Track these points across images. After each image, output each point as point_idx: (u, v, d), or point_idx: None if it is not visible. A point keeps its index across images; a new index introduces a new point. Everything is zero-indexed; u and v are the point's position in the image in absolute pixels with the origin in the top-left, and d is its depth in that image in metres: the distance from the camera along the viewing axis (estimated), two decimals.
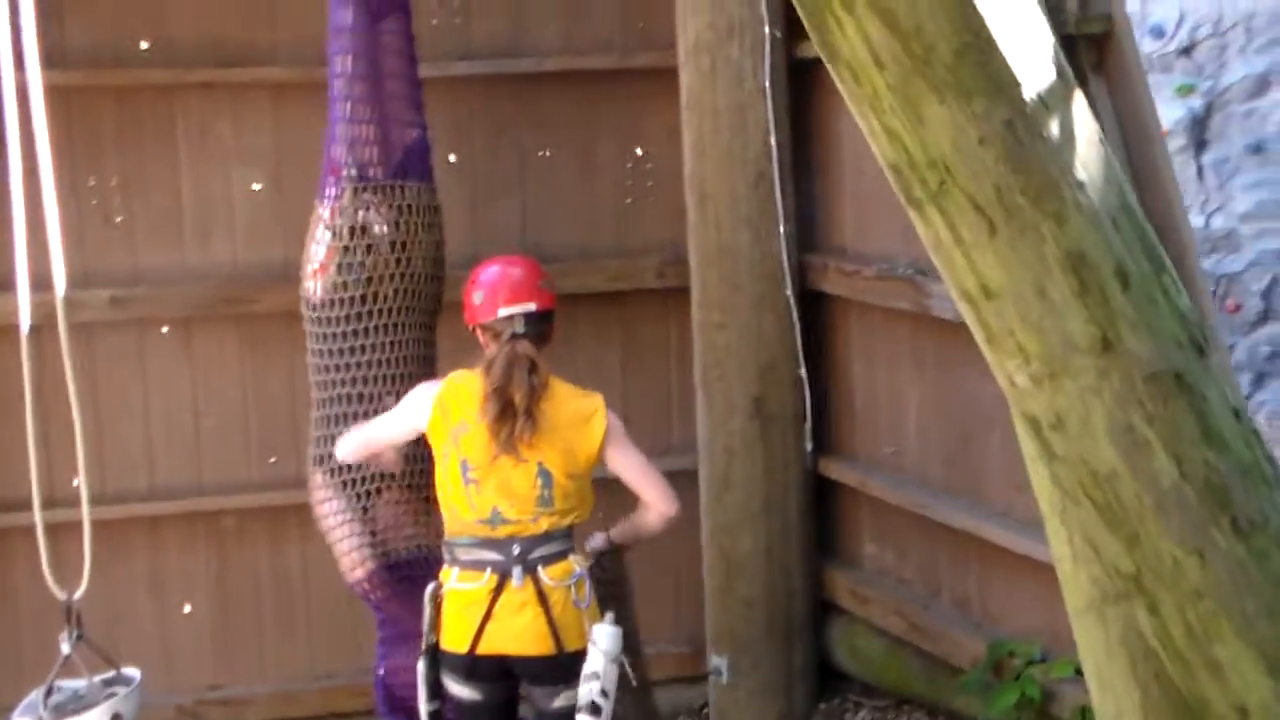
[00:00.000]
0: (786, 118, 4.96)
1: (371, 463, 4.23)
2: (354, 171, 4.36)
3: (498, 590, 3.79)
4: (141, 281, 4.97)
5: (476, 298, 3.94)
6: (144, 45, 4.90)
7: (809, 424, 5.05)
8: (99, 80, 4.85)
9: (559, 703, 3.82)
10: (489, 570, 3.81)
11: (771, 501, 5.03)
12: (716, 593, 5.13)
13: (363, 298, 4.38)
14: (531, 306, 3.90)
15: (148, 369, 5.03)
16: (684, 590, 5.28)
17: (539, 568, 3.80)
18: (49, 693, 3.82)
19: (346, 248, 4.37)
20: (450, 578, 3.86)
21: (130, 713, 3.84)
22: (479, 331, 3.96)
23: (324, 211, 4.40)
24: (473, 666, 3.84)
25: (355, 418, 4.31)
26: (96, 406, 4.92)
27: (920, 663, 4.87)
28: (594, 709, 3.75)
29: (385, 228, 4.40)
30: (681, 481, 5.12)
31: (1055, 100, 2.60)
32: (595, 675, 3.74)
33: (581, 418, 3.87)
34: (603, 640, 3.76)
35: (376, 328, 4.38)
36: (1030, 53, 2.59)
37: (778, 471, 5.04)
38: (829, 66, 2.66)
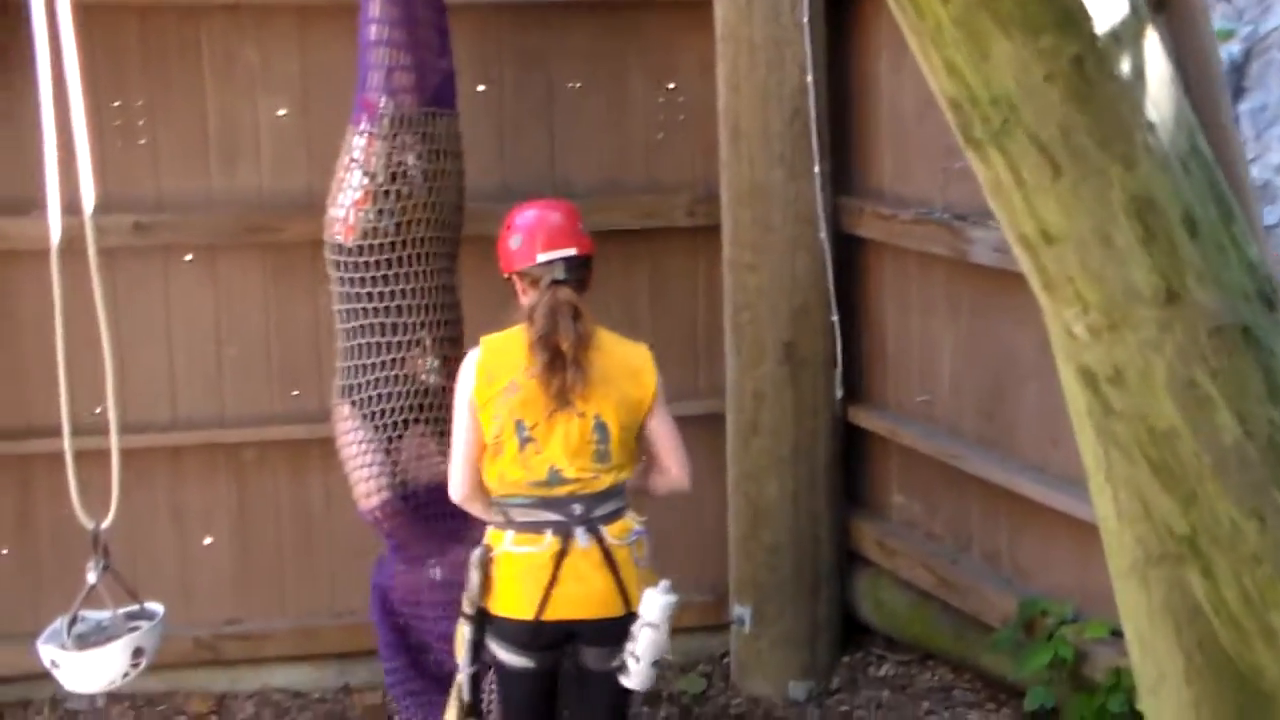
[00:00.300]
0: (824, 55, 4.83)
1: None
2: (389, 101, 4.23)
3: (561, 553, 3.61)
4: (166, 208, 4.88)
5: (513, 243, 3.76)
6: None
7: (839, 370, 4.95)
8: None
9: (615, 662, 3.65)
10: (549, 532, 3.63)
11: (800, 448, 4.94)
12: (741, 540, 5.05)
13: (397, 236, 4.28)
14: (572, 251, 3.72)
15: (170, 297, 4.95)
16: (707, 537, 5.19)
17: (601, 527, 3.64)
18: (73, 621, 3.77)
19: (384, 191, 4.27)
20: (504, 541, 3.67)
21: (152, 647, 3.79)
22: (515, 279, 3.78)
23: (357, 145, 4.28)
24: (536, 633, 3.66)
25: (386, 349, 4.27)
26: (118, 334, 4.80)
27: (947, 618, 4.79)
28: (622, 669, 3.63)
29: (420, 161, 4.29)
30: (706, 425, 5.06)
31: (1127, 37, 2.47)
32: (632, 636, 3.60)
33: (632, 369, 3.72)
34: (646, 609, 3.59)
35: (408, 258, 4.29)
36: None
37: (807, 418, 4.94)
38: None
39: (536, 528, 3.64)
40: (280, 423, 5.04)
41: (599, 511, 3.64)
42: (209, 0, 4.80)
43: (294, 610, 5.14)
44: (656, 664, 3.63)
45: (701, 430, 4.83)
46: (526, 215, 3.80)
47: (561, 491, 3.63)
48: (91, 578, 3.80)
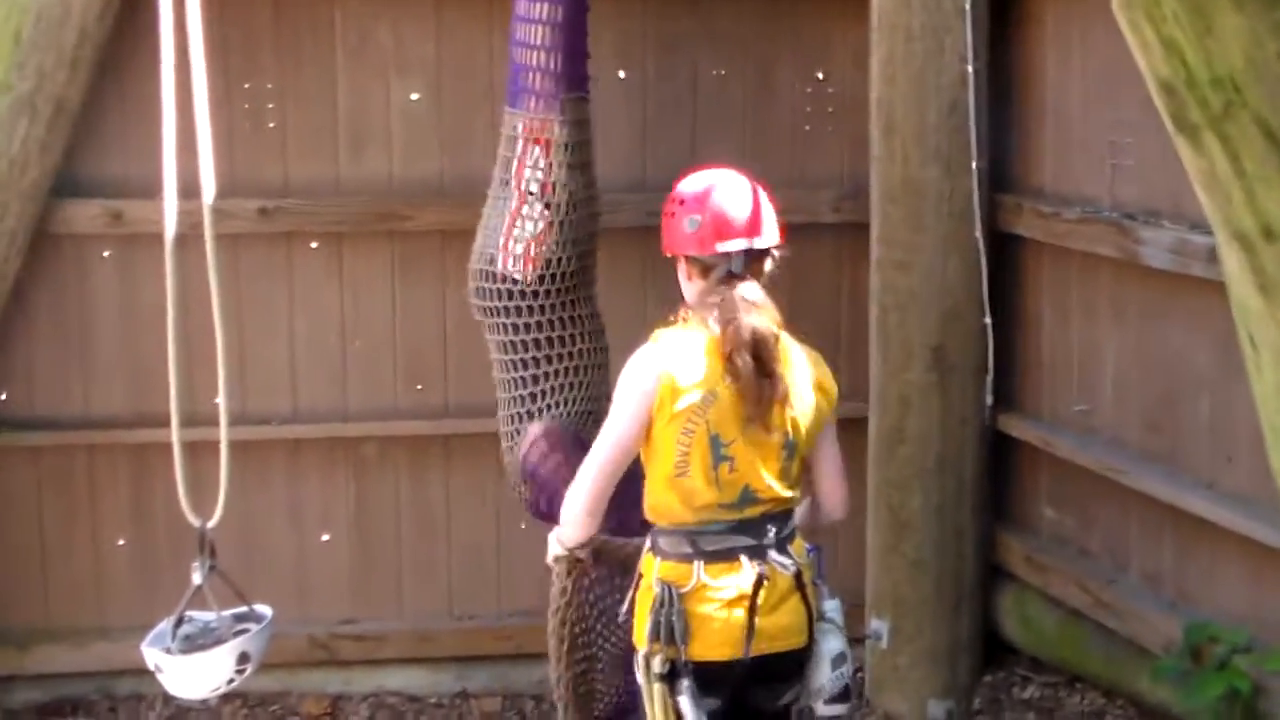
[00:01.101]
0: (985, 45, 4.57)
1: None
2: (559, 87, 3.94)
3: (760, 580, 3.17)
4: (292, 193, 4.74)
5: (687, 224, 3.24)
6: None
7: (990, 376, 4.69)
8: None
9: (786, 699, 3.30)
10: (744, 557, 3.19)
11: (946, 458, 4.69)
12: (880, 551, 4.81)
13: (579, 264, 4.01)
14: (758, 243, 3.25)
15: (294, 285, 4.81)
16: (843, 546, 4.94)
17: (789, 547, 3.25)
18: (179, 623, 3.64)
19: (565, 221, 3.97)
20: (693, 575, 3.18)
21: (258, 652, 3.64)
22: (681, 261, 3.29)
23: (531, 173, 3.96)
24: (735, 673, 3.20)
25: (572, 388, 3.99)
26: (240, 323, 4.71)
27: (1100, 640, 4.50)
28: (845, 694, 3.30)
29: (589, 171, 4.05)
30: (847, 430, 4.79)
31: None
32: (844, 657, 3.29)
33: (815, 377, 3.31)
34: (840, 616, 3.31)
35: (585, 283, 4.04)
36: None
37: (954, 426, 4.69)
38: None
39: (730, 555, 3.19)
40: (403, 418, 4.88)
41: (786, 531, 3.27)
42: None
43: (411, 612, 4.98)
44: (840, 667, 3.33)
45: (841, 435, 4.57)
46: (702, 191, 3.26)
47: (754, 513, 3.21)
48: (197, 578, 3.65)
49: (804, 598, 3.24)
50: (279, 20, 4.69)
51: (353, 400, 4.88)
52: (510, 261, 3.98)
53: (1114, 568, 4.47)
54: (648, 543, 3.28)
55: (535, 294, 3.97)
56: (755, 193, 3.31)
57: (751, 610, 3.16)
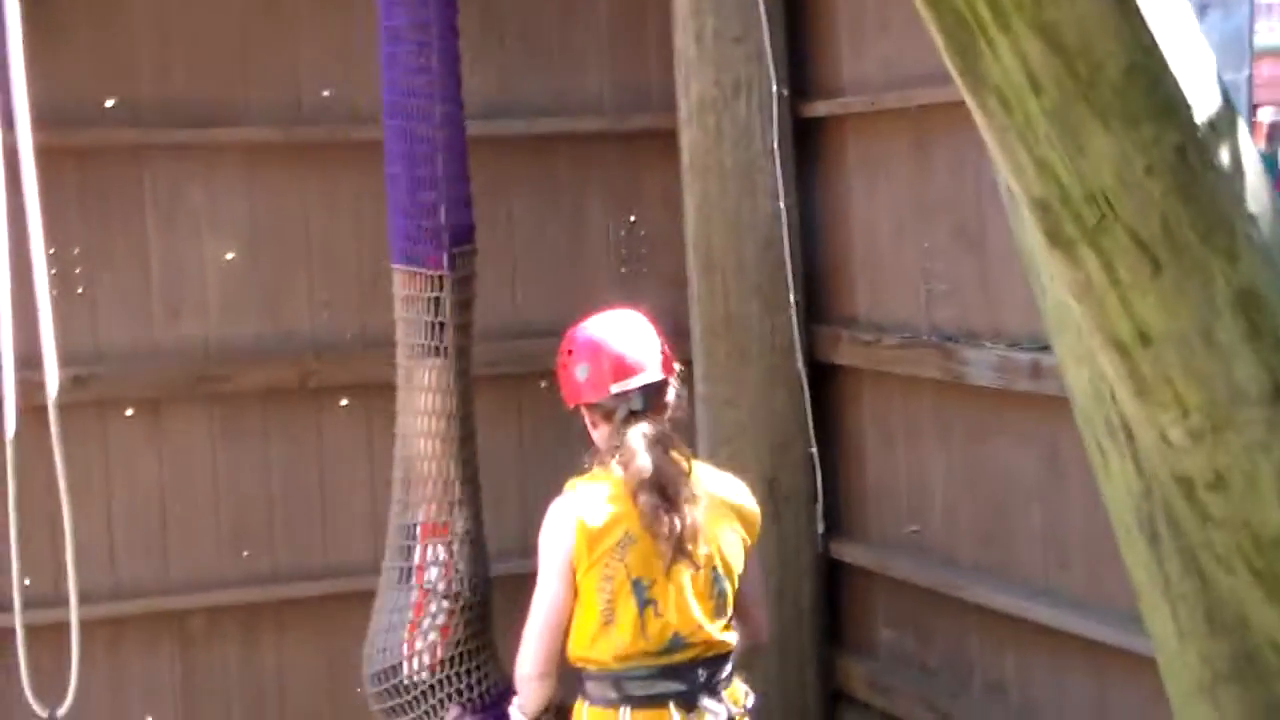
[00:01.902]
0: (793, 182, 4.75)
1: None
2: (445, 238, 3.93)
3: None
4: (105, 359, 4.58)
5: (580, 373, 3.26)
6: (109, 103, 4.55)
7: (820, 504, 4.80)
8: (60, 140, 4.46)
9: None
10: (672, 705, 3.13)
11: (785, 589, 4.75)
12: None
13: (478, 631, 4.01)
14: (650, 378, 3.24)
15: (110, 455, 4.62)
16: None
17: (723, 692, 3.19)
18: None
19: (466, 605, 3.98)
20: None
21: None
22: (585, 411, 3.30)
23: (432, 568, 3.98)
24: None
25: None
26: (51, 494, 4.48)
27: None
28: None
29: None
30: None
31: (1224, 126, 2.39)
32: None
33: (734, 504, 3.29)
34: None
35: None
36: (1198, 73, 2.38)
37: (791, 556, 4.76)
38: (971, 97, 2.42)
39: (658, 701, 3.13)
40: (231, 586, 4.71)
41: (721, 675, 3.20)
42: (153, 140, 4.57)
43: None
44: None
45: None
46: (590, 340, 3.29)
47: (683, 657, 3.15)
48: None
49: None
50: (84, 182, 4.57)
51: (175, 571, 4.69)
52: (415, 662, 3.93)
53: (957, 682, 4.57)
54: (580, 695, 3.21)
55: (440, 684, 3.94)
56: (642, 328, 3.34)
57: None
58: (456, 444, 3.96)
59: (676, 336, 4.85)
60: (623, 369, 3.23)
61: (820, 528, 4.81)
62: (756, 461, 4.71)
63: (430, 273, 3.91)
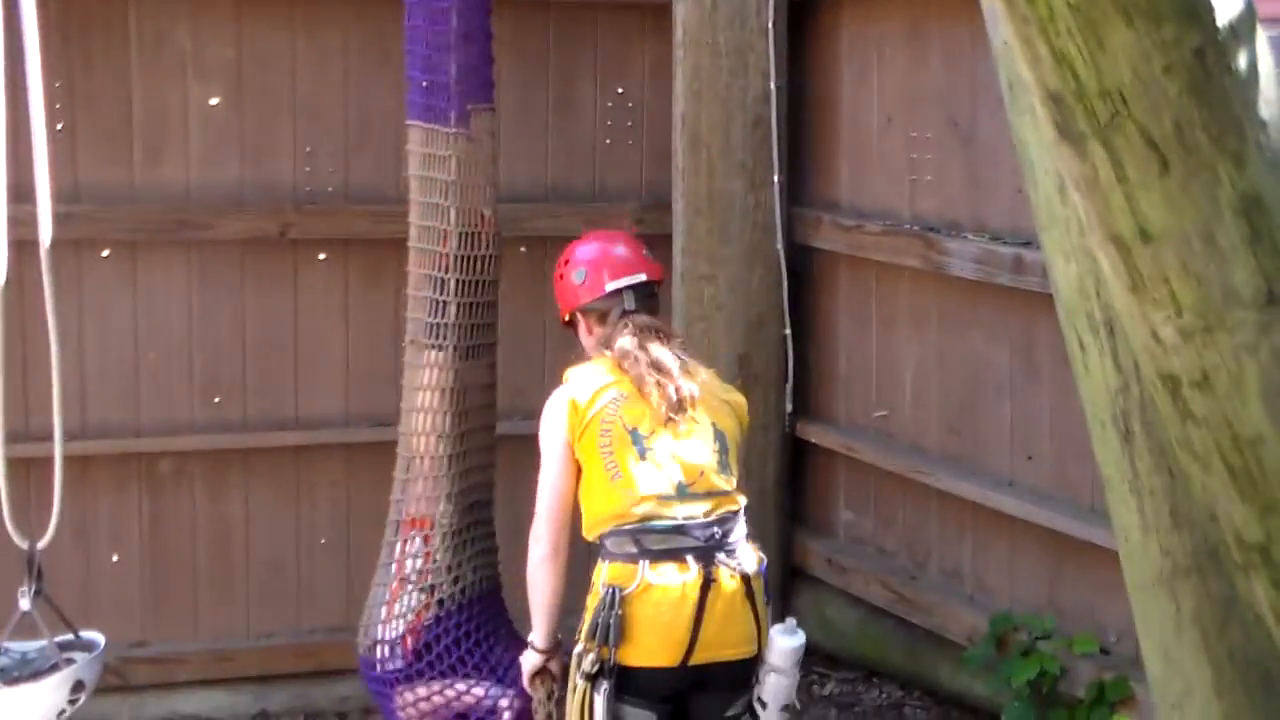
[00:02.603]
0: (784, 63, 4.74)
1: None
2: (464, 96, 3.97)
3: (707, 583, 3.15)
4: (82, 198, 4.53)
5: (576, 277, 3.48)
6: None
7: (790, 385, 4.85)
8: None
9: (734, 710, 3.29)
10: (690, 559, 3.17)
11: (750, 465, 4.79)
12: None
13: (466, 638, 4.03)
14: (642, 277, 3.47)
15: (84, 295, 4.60)
16: None
17: (739, 553, 3.23)
18: None
19: (442, 600, 4.02)
20: (638, 574, 3.16)
21: (92, 680, 3.49)
22: (580, 319, 3.50)
23: (411, 557, 4.05)
24: (675, 681, 3.20)
25: None
26: (24, 334, 4.46)
27: (900, 635, 4.71)
28: (750, 711, 3.27)
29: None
30: None
31: (1244, 31, 2.41)
32: (758, 680, 3.26)
33: (724, 388, 3.48)
34: (773, 653, 3.25)
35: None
36: None
37: (758, 434, 4.81)
38: None
39: (675, 555, 3.18)
40: (200, 432, 4.72)
41: (735, 536, 3.24)
42: None
43: (208, 632, 4.80)
44: (786, 709, 3.29)
45: None
46: (586, 247, 3.56)
47: (696, 511, 3.22)
48: (24, 604, 3.50)
49: (753, 606, 3.22)
50: (67, 16, 4.48)
51: (146, 415, 4.69)
52: (385, 650, 3.98)
53: (914, 565, 4.68)
54: (599, 552, 3.28)
55: (417, 673, 3.97)
56: (631, 238, 3.66)
57: (697, 616, 3.14)
58: (452, 439, 4.00)
59: (658, 211, 4.89)
60: (616, 268, 3.47)
61: (789, 408, 4.88)
62: (730, 338, 4.75)
63: (447, 130, 3.92)
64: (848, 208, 4.76)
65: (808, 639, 4.97)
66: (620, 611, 3.13)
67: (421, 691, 3.96)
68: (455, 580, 4.00)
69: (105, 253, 4.59)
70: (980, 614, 4.33)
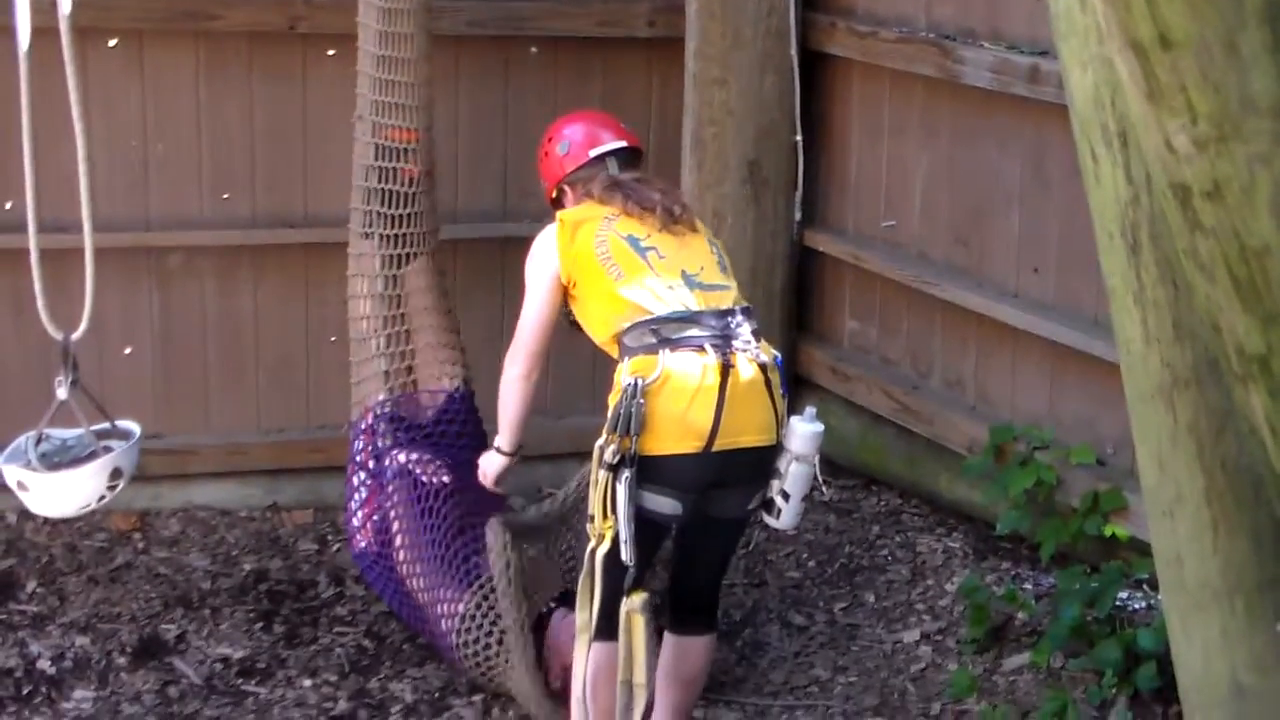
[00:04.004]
0: None
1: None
2: None
3: (726, 369, 3.19)
4: None
5: (560, 148, 3.62)
6: None
7: (799, 192, 4.84)
8: None
9: (753, 504, 3.36)
10: (709, 347, 3.21)
11: (758, 272, 4.84)
12: None
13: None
14: (624, 143, 3.61)
15: (91, 84, 4.55)
16: None
17: (755, 344, 3.28)
18: (39, 440, 3.53)
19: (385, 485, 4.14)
20: (658, 364, 3.18)
21: (130, 468, 3.59)
22: (566, 191, 3.62)
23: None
24: (703, 468, 3.21)
25: None
26: (31, 124, 4.44)
27: (900, 443, 4.78)
28: (769, 506, 3.34)
29: None
30: None
31: None
32: (777, 472, 3.31)
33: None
34: (795, 440, 3.30)
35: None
36: None
37: (765, 241, 4.84)
38: None
39: (694, 343, 3.22)
40: (209, 227, 4.73)
41: (749, 327, 3.30)
42: None
43: (219, 426, 4.88)
44: (806, 499, 3.38)
45: None
46: (567, 124, 3.69)
47: (709, 303, 3.30)
48: (61, 393, 3.58)
49: (771, 395, 3.27)
50: None
51: (155, 208, 4.69)
52: (358, 537, 4.16)
53: (916, 375, 4.72)
54: (621, 356, 3.31)
55: (381, 556, 4.08)
56: (612, 116, 3.76)
57: (719, 402, 3.17)
58: (390, 319, 4.15)
59: (671, 13, 4.82)
60: (598, 137, 3.60)
61: (797, 215, 4.87)
62: (740, 144, 4.73)
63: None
64: (863, 14, 4.69)
65: None
66: (642, 401, 3.14)
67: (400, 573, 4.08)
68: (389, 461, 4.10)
69: (113, 42, 4.54)
70: (980, 424, 4.39)
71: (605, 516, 3.18)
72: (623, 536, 3.14)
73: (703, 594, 3.53)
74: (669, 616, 3.54)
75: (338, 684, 4.06)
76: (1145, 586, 3.85)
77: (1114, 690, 3.65)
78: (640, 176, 3.55)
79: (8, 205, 4.48)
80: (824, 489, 3.50)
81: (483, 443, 4.00)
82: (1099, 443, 4.10)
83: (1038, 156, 4.16)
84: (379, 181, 4.13)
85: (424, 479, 4.02)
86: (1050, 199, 4.15)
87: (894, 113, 4.65)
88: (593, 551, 3.21)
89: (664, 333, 3.24)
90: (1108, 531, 3.98)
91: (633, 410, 3.14)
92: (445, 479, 4.00)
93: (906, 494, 4.84)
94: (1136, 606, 3.84)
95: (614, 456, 3.15)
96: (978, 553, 4.46)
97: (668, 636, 3.52)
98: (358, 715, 3.93)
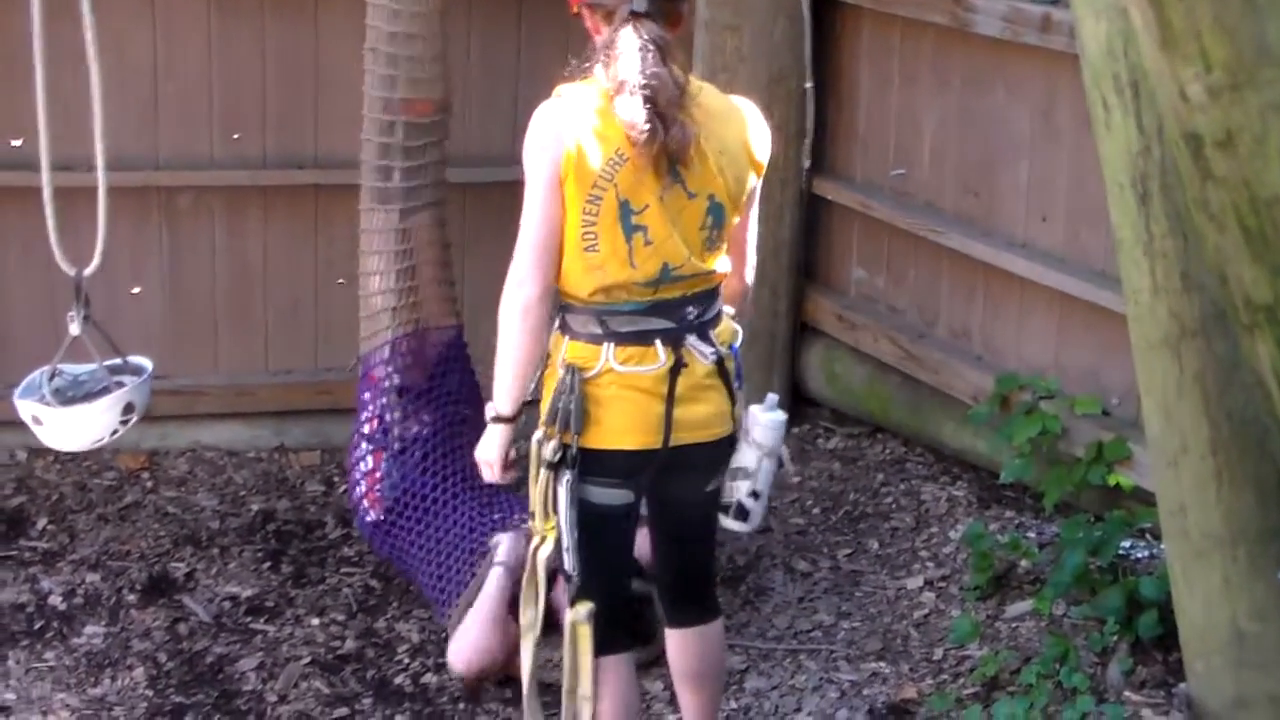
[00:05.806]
0: None
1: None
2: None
3: (676, 366, 2.92)
4: None
5: None
6: None
7: (809, 140, 4.84)
8: None
9: (711, 486, 3.10)
10: (658, 342, 2.92)
11: (766, 219, 4.75)
12: None
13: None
14: None
15: (101, 25, 4.53)
16: None
17: (710, 332, 2.99)
18: (52, 375, 3.56)
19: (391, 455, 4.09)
20: (601, 358, 2.91)
21: (143, 403, 3.62)
22: (585, 13, 2.94)
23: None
24: (649, 463, 2.97)
25: None
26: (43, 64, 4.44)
27: (905, 392, 4.79)
28: (740, 512, 3.09)
29: None
30: None
31: None
32: (745, 472, 3.06)
33: (739, 133, 2.98)
34: (758, 431, 3.04)
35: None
36: None
37: (774, 188, 4.81)
38: None
39: (643, 338, 2.92)
40: (219, 168, 4.73)
41: (710, 314, 2.99)
42: None
43: (227, 367, 4.91)
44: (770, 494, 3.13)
45: None
46: None
47: (673, 293, 2.93)
48: (74, 329, 3.60)
49: (727, 386, 3.01)
50: None
51: (165, 147, 4.69)
52: (364, 507, 4.11)
53: (923, 324, 4.74)
54: (556, 320, 3.00)
55: (390, 524, 4.06)
56: None
57: (668, 401, 2.93)
58: (399, 254, 4.11)
59: None
60: None
61: (806, 163, 4.87)
62: (751, 91, 4.66)
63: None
64: None
65: (816, 393, 5.12)
66: (581, 394, 2.90)
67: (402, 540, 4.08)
68: (412, 440, 4.11)
69: None
70: (986, 373, 4.41)
71: (546, 517, 2.97)
72: (565, 543, 2.94)
73: (689, 579, 3.26)
74: (665, 612, 3.34)
75: (345, 623, 4.10)
76: (1148, 535, 3.87)
77: (1115, 638, 3.68)
78: (661, 44, 2.84)
79: (16, 143, 4.48)
80: (794, 477, 3.26)
81: (477, 393, 4.03)
82: (1104, 393, 4.12)
83: (1047, 106, 4.16)
84: (391, 113, 4.06)
85: (430, 462, 4.08)
86: (1060, 150, 4.15)
87: (904, 61, 4.64)
88: (535, 551, 3.02)
89: (612, 325, 2.93)
90: (1112, 481, 4.00)
91: (572, 405, 2.90)
92: (451, 462, 4.08)
93: (911, 442, 4.86)
94: (1139, 555, 3.86)
95: (554, 454, 2.92)
96: (981, 501, 4.48)
97: (667, 634, 3.32)
98: (365, 654, 3.98)
